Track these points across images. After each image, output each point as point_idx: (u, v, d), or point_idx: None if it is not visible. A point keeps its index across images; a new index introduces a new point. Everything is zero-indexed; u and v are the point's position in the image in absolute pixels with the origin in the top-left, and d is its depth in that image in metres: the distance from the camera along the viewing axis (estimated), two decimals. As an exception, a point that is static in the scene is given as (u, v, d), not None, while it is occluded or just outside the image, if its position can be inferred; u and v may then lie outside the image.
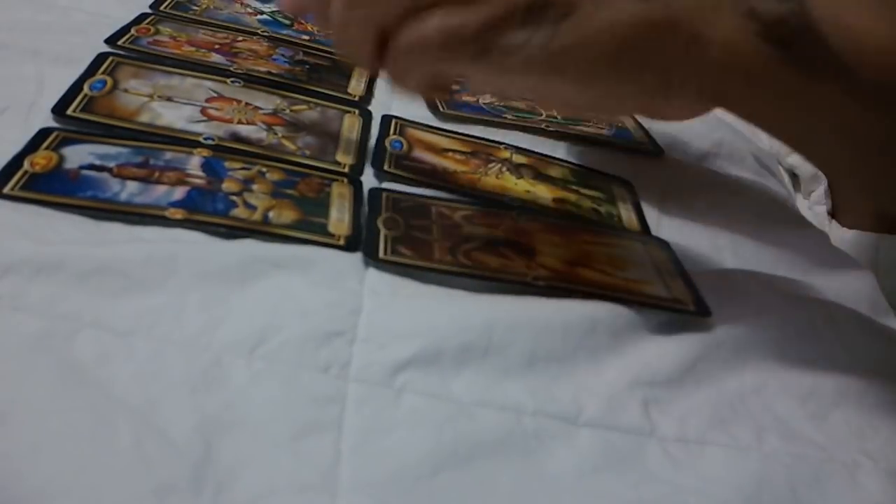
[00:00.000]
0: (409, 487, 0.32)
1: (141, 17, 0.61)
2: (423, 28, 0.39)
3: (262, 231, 0.42)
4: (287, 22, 0.66)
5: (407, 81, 0.42)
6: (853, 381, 0.41)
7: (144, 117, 0.49)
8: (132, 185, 0.43)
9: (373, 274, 0.42)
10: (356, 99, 0.57)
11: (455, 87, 0.47)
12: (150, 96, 0.51)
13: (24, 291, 0.37)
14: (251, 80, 0.55)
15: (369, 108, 0.57)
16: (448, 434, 0.35)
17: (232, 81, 0.55)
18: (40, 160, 0.44)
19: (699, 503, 0.34)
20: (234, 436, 0.33)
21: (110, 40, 0.57)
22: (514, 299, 0.41)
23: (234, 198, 0.44)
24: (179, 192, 0.43)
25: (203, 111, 0.51)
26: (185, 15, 0.63)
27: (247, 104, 0.53)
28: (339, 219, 0.44)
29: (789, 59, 0.38)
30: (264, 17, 0.66)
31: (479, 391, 0.37)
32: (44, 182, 0.42)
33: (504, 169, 0.53)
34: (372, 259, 0.42)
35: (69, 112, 0.48)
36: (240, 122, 0.51)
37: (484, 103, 0.59)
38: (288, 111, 0.53)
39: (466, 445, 0.34)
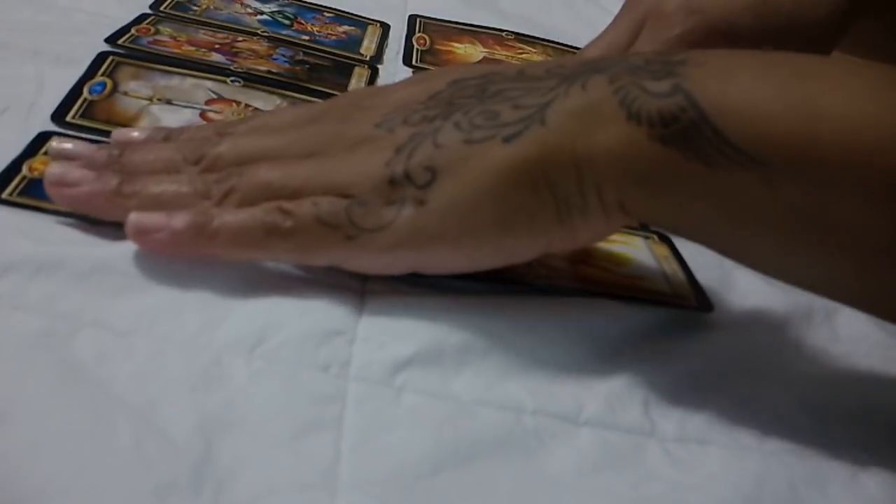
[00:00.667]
0: (409, 486, 0.32)
1: (141, 18, 0.61)
2: (294, 211, 0.37)
3: None
4: (287, 22, 0.66)
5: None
6: (853, 380, 0.41)
7: (143, 122, 0.49)
8: None
9: (373, 275, 0.42)
10: (356, 99, 0.57)
11: None
12: (150, 99, 0.51)
13: (24, 290, 0.37)
14: (251, 80, 0.55)
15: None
16: (448, 433, 0.35)
17: (232, 80, 0.55)
18: (39, 165, 0.44)
19: (699, 502, 0.34)
20: (234, 435, 0.33)
21: (110, 39, 0.57)
22: (514, 298, 0.41)
23: None
24: None
25: (202, 115, 0.51)
26: (185, 15, 0.63)
27: (246, 106, 0.53)
28: None
29: (690, 157, 0.34)
30: (264, 17, 0.66)
31: (480, 390, 0.37)
32: (42, 188, 0.42)
33: None
34: None
35: (69, 119, 0.48)
36: None
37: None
38: (289, 112, 0.53)
39: (467, 444, 0.34)
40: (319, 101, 0.48)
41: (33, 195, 0.42)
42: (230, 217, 0.37)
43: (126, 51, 0.56)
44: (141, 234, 0.37)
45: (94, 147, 0.42)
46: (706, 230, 0.37)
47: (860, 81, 0.35)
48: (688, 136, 0.34)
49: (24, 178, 0.43)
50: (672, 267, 0.47)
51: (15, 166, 0.43)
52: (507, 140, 0.36)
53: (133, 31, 0.59)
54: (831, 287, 0.38)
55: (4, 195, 0.41)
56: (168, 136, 0.43)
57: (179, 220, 0.37)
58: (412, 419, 0.35)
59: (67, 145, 0.41)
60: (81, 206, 0.39)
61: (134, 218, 0.37)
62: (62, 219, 0.41)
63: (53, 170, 0.39)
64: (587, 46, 0.56)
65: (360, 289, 0.40)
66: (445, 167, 0.36)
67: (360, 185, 0.37)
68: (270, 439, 0.33)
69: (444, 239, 0.37)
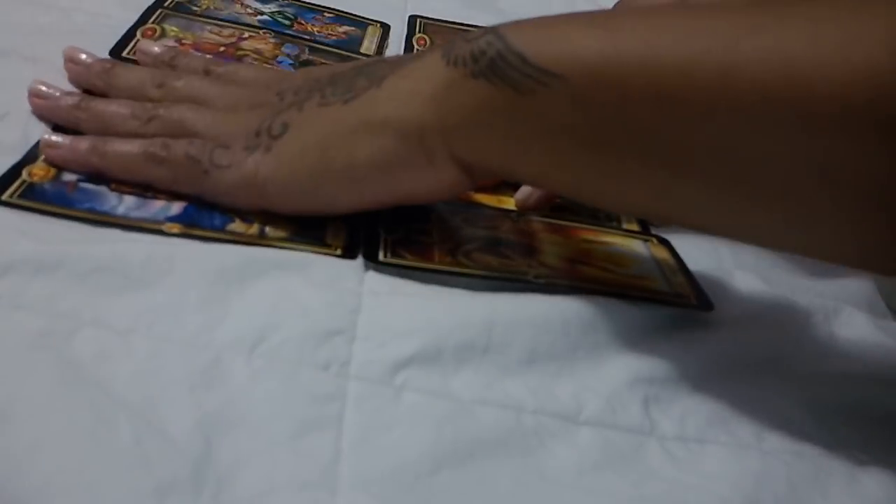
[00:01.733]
0: (409, 485, 0.32)
1: (146, 15, 0.61)
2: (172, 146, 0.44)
3: (258, 244, 0.42)
4: (287, 22, 0.66)
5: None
6: (852, 379, 0.41)
7: None
8: (129, 200, 0.43)
9: (372, 274, 0.42)
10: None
11: None
12: None
13: (24, 290, 0.37)
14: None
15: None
16: (448, 432, 0.35)
17: None
18: (38, 171, 0.44)
19: (699, 501, 0.34)
20: (234, 434, 0.33)
21: (114, 51, 0.56)
22: (514, 297, 0.41)
23: (231, 212, 0.44)
24: (177, 207, 0.43)
25: None
26: (187, 16, 0.63)
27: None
28: (336, 228, 0.44)
29: (501, 85, 0.38)
30: (264, 17, 0.66)
31: (480, 389, 0.37)
32: (41, 192, 0.42)
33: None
34: (372, 262, 0.42)
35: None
36: None
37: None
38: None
39: (466, 443, 0.34)
40: (269, 68, 0.57)
41: (33, 199, 0.42)
42: (121, 143, 0.44)
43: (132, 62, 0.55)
44: (48, 147, 0.44)
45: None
46: (532, 162, 0.39)
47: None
48: (495, 65, 0.38)
49: (23, 182, 0.43)
50: (672, 267, 0.47)
51: (15, 171, 0.43)
52: (346, 102, 0.41)
53: (138, 34, 0.58)
54: (661, 213, 0.41)
55: (4, 197, 0.41)
56: (169, 61, 0.52)
57: (82, 142, 0.44)
58: (412, 418, 0.35)
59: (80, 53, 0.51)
60: (45, 112, 0.48)
61: (45, 136, 0.45)
62: (62, 219, 0.41)
63: (37, 85, 0.48)
64: None
65: (360, 288, 0.41)
66: (297, 123, 0.42)
67: (232, 132, 0.44)
68: (270, 438, 0.33)
69: (275, 182, 0.42)
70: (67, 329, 0.35)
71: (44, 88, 0.48)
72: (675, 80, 0.34)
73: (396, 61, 0.42)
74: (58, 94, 0.48)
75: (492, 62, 0.38)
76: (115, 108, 0.46)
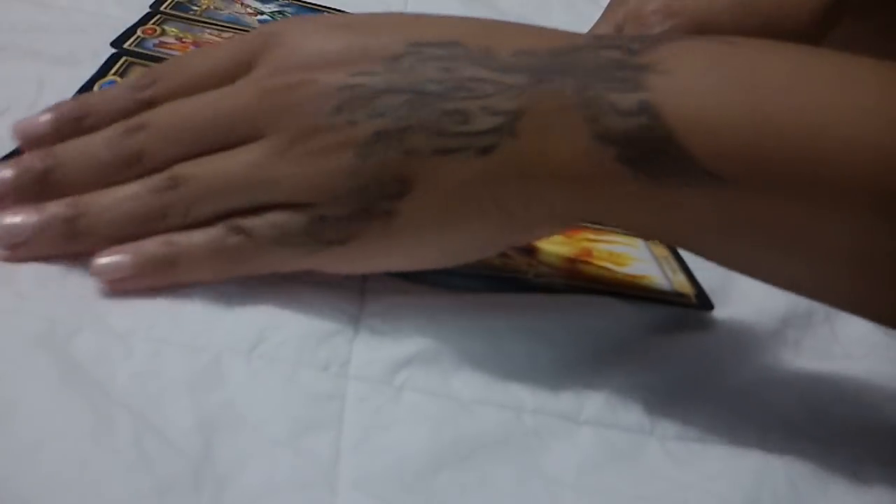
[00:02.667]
0: (409, 484, 0.32)
1: (147, 17, 0.61)
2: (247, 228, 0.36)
3: None
4: (287, 22, 0.66)
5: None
6: (854, 378, 0.41)
7: None
8: None
9: (372, 275, 0.42)
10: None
11: None
12: None
13: (24, 293, 0.37)
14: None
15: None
16: (448, 431, 0.35)
17: None
18: None
19: (699, 500, 0.34)
20: (233, 434, 0.33)
21: (116, 43, 0.57)
22: (515, 297, 0.41)
23: None
24: None
25: None
26: (188, 16, 0.63)
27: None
28: None
29: (653, 175, 0.33)
30: (264, 17, 0.66)
31: (480, 389, 0.37)
32: None
33: None
34: None
35: None
36: None
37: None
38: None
39: (467, 443, 0.34)
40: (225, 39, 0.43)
41: None
42: (189, 245, 0.36)
43: (135, 55, 0.56)
44: (108, 283, 0.37)
45: (10, 168, 0.38)
46: (660, 237, 0.38)
47: (840, 90, 0.34)
48: (653, 161, 0.33)
49: None
50: (672, 266, 0.47)
51: (13, 157, 0.43)
52: (479, 153, 0.35)
53: (139, 32, 0.59)
54: (808, 290, 0.37)
55: None
56: (79, 116, 0.39)
57: (140, 257, 0.36)
58: (412, 418, 0.35)
59: None
60: (38, 256, 0.37)
61: (98, 266, 0.36)
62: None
63: None
64: None
65: (360, 288, 0.40)
66: (417, 179, 0.35)
67: (321, 195, 0.35)
68: (270, 438, 0.33)
69: (413, 250, 0.37)
70: (67, 330, 0.35)
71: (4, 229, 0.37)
72: (843, 180, 0.32)
73: (511, 76, 0.35)
74: (31, 220, 0.37)
75: (650, 156, 0.33)
76: (124, 216, 0.37)
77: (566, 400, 0.37)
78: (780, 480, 0.35)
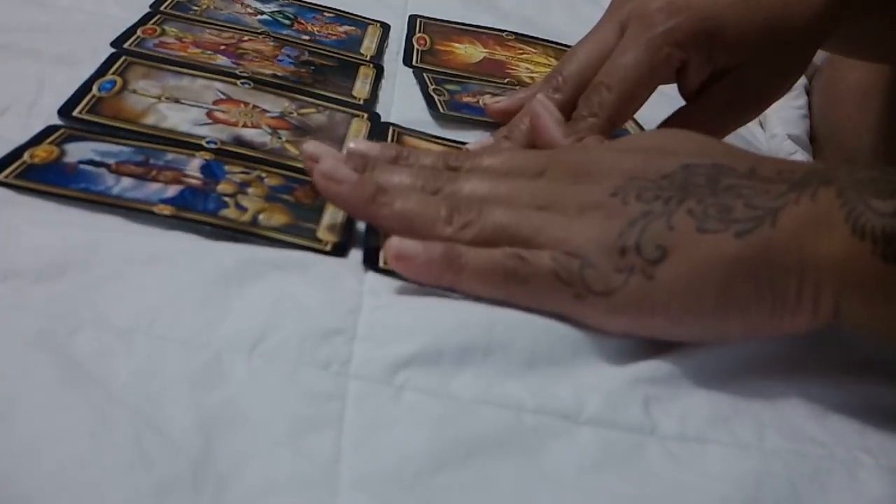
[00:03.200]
0: (409, 484, 0.32)
1: (147, 17, 0.61)
2: (532, 260, 0.40)
3: (248, 232, 0.42)
4: (287, 22, 0.66)
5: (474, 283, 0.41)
6: (853, 378, 0.41)
7: (150, 119, 0.50)
8: (126, 181, 0.44)
9: (372, 275, 0.42)
10: (361, 102, 0.57)
11: None
12: (159, 98, 0.52)
13: (24, 290, 0.37)
14: (258, 83, 0.55)
15: (377, 111, 0.57)
16: (448, 431, 0.35)
17: (242, 83, 0.55)
18: (41, 153, 0.44)
19: (699, 500, 0.34)
20: (234, 433, 0.33)
21: (116, 43, 0.57)
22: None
23: (226, 199, 0.44)
24: (172, 190, 0.44)
25: (209, 114, 0.51)
26: (188, 16, 0.63)
27: (254, 107, 0.53)
28: (330, 225, 0.44)
29: None
30: (264, 17, 0.66)
31: (480, 389, 0.37)
32: (39, 173, 0.43)
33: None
34: (372, 268, 0.42)
35: (75, 114, 0.49)
36: (244, 126, 0.51)
37: (484, 104, 0.59)
38: (295, 114, 0.54)
39: (467, 442, 0.34)
40: (534, 151, 0.49)
41: (29, 179, 0.42)
42: (475, 256, 0.40)
43: (134, 55, 0.56)
44: (399, 259, 0.40)
45: (341, 157, 0.44)
46: None
47: None
48: None
49: (23, 163, 0.43)
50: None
51: (17, 153, 0.44)
52: (738, 235, 0.38)
53: (139, 32, 0.59)
54: None
55: (0, 177, 0.42)
56: (396, 157, 0.45)
57: (434, 251, 0.40)
58: (412, 417, 0.35)
59: (317, 150, 0.44)
60: (340, 202, 0.43)
61: (395, 244, 0.40)
62: (61, 218, 0.41)
63: (326, 164, 0.42)
64: (575, 47, 0.56)
65: (360, 288, 0.40)
66: (676, 248, 0.38)
67: (591, 247, 0.39)
68: (271, 437, 0.33)
69: (664, 313, 0.39)
70: (67, 328, 0.35)
71: (338, 173, 0.42)
72: None
73: (773, 185, 0.39)
74: (353, 177, 0.42)
75: None
76: (417, 207, 0.42)
77: (566, 400, 0.37)
78: (780, 480, 0.35)
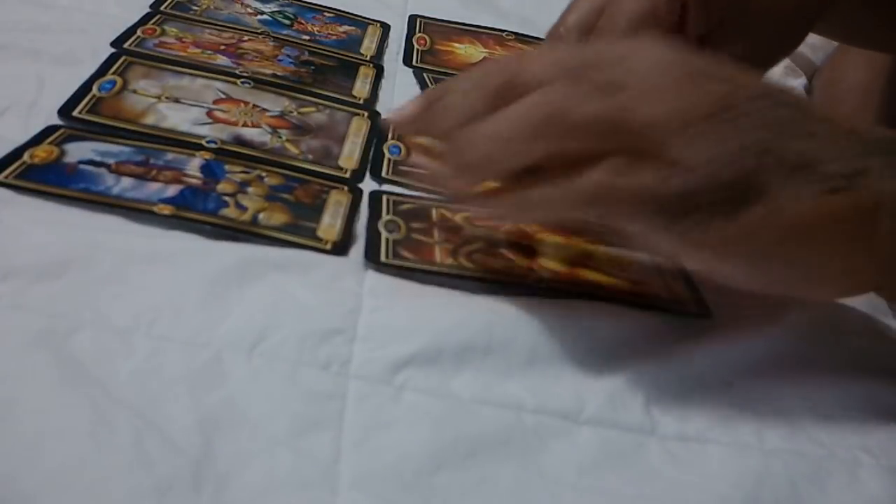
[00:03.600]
0: (409, 484, 0.32)
1: (147, 17, 0.61)
2: (619, 181, 0.36)
3: (248, 231, 0.42)
4: (287, 22, 0.66)
5: (553, 213, 0.40)
6: (853, 378, 0.41)
7: (150, 119, 0.50)
8: (126, 181, 0.44)
9: (372, 275, 0.42)
10: (361, 101, 0.57)
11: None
12: (159, 97, 0.52)
13: (24, 290, 0.37)
14: (258, 82, 0.55)
15: (377, 109, 0.57)
16: (448, 431, 0.35)
17: (242, 83, 0.55)
18: (41, 153, 0.45)
19: (699, 500, 0.34)
20: (234, 433, 0.33)
21: (116, 43, 0.57)
22: (514, 299, 0.41)
23: (226, 198, 0.44)
24: (172, 190, 0.44)
25: (209, 113, 0.51)
26: (188, 16, 0.63)
27: (254, 106, 0.53)
28: (330, 224, 0.44)
29: None
30: (264, 17, 0.66)
31: (480, 389, 0.37)
32: (39, 173, 0.43)
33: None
34: (374, 263, 0.42)
35: (75, 114, 0.49)
36: (244, 125, 0.51)
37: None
38: (296, 113, 0.54)
39: (467, 442, 0.34)
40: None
41: (30, 179, 0.42)
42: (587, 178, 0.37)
43: (134, 55, 0.56)
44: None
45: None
46: None
47: None
48: None
49: (23, 163, 0.43)
50: (671, 272, 0.47)
51: (17, 153, 0.44)
52: (831, 191, 0.36)
53: (139, 32, 0.59)
54: None
55: (0, 177, 0.42)
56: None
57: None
58: (412, 417, 0.35)
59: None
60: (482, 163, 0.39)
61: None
62: (61, 217, 0.41)
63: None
64: (568, 9, 0.55)
65: (360, 288, 0.40)
66: (766, 191, 0.36)
67: (693, 172, 0.36)
68: (271, 437, 0.33)
69: (744, 258, 0.37)
70: (67, 328, 0.35)
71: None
72: None
73: (852, 141, 0.38)
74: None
75: None
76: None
77: (566, 400, 0.37)
78: (780, 480, 0.36)
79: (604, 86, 0.37)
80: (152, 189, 0.43)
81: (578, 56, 0.39)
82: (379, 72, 0.62)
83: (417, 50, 0.67)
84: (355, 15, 0.70)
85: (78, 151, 0.45)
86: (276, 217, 0.44)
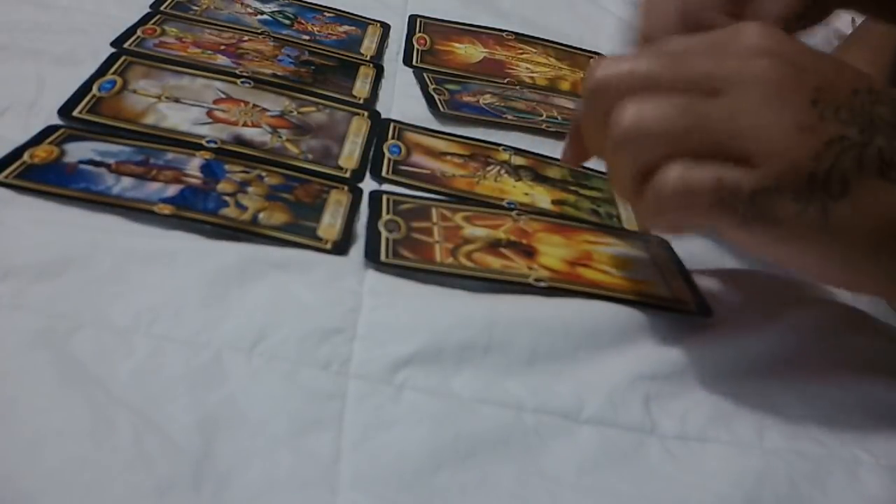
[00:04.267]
0: (409, 483, 0.32)
1: (147, 17, 0.61)
2: (692, 179, 0.36)
3: (248, 231, 0.42)
4: (287, 22, 0.66)
5: (658, 220, 0.39)
6: (853, 378, 0.41)
7: (150, 119, 0.50)
8: (127, 181, 0.44)
9: (372, 274, 0.42)
10: (361, 101, 0.57)
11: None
12: (159, 97, 0.52)
13: (24, 290, 0.37)
14: (258, 82, 0.55)
15: (377, 109, 0.57)
16: (448, 430, 0.35)
17: (242, 82, 0.55)
18: (41, 153, 0.45)
19: (699, 499, 0.34)
20: (234, 432, 0.33)
21: (116, 43, 0.57)
22: (515, 298, 0.41)
23: (226, 198, 0.44)
24: (172, 190, 0.44)
25: (209, 113, 0.51)
26: (188, 16, 0.63)
27: (254, 106, 0.53)
28: (330, 224, 0.44)
29: None
30: (264, 17, 0.66)
31: (480, 388, 0.37)
32: (39, 173, 0.43)
33: (503, 172, 0.53)
34: (374, 262, 0.42)
35: (75, 114, 0.49)
36: (245, 125, 0.51)
37: (485, 103, 0.60)
38: (296, 113, 0.54)
39: (467, 441, 0.34)
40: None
41: (30, 179, 0.42)
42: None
43: (134, 55, 0.56)
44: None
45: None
46: None
47: None
48: None
49: (23, 163, 0.43)
50: (671, 271, 0.47)
51: (17, 153, 0.44)
52: None
53: (139, 32, 0.59)
54: None
55: (0, 177, 0.42)
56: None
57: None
58: (412, 417, 0.35)
59: None
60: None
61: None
62: (61, 217, 0.41)
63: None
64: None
65: (360, 288, 0.40)
66: (858, 193, 0.36)
67: (777, 163, 0.36)
68: (271, 437, 0.33)
69: (830, 255, 0.37)
70: (67, 328, 0.35)
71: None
72: None
73: None
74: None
75: None
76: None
77: (566, 399, 0.37)
78: (780, 479, 0.36)
79: (705, 90, 0.37)
80: (152, 189, 0.44)
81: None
82: (379, 72, 0.62)
83: (417, 50, 0.67)
84: (355, 15, 0.70)
85: (78, 151, 0.45)
86: (276, 217, 0.44)
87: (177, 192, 0.44)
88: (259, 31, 0.63)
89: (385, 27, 0.69)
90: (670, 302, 0.44)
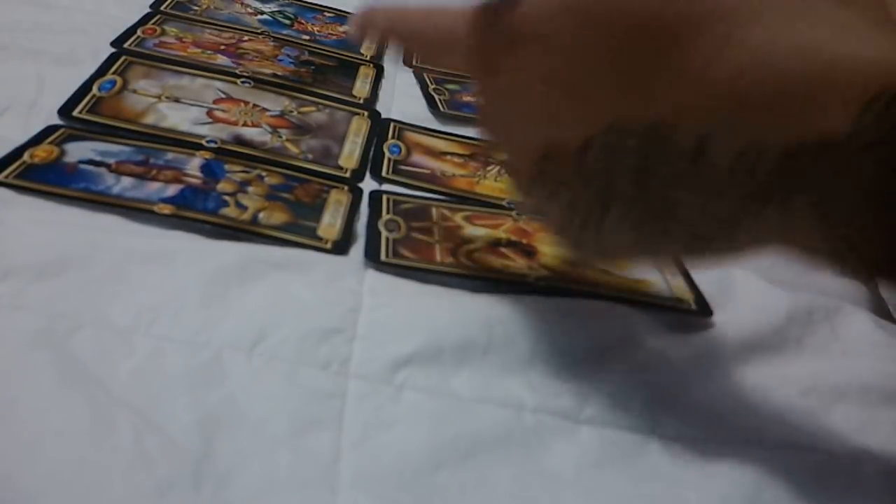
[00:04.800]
0: (409, 483, 0.32)
1: (147, 17, 0.61)
2: None
3: (248, 230, 0.42)
4: (287, 22, 0.66)
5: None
6: (854, 378, 0.41)
7: (150, 119, 0.50)
8: (127, 181, 0.44)
9: (372, 274, 0.42)
10: (361, 101, 0.58)
11: None
12: (159, 97, 0.52)
13: (24, 290, 0.37)
14: (258, 82, 0.56)
15: (377, 109, 0.57)
16: (448, 430, 0.35)
17: (242, 82, 0.55)
18: (41, 153, 0.45)
19: (699, 499, 0.34)
20: (233, 432, 0.33)
21: (116, 43, 0.57)
22: (515, 298, 0.41)
23: (226, 197, 0.44)
24: (172, 189, 0.44)
25: (209, 113, 0.51)
26: (188, 16, 0.63)
27: (254, 106, 0.53)
28: (330, 223, 0.44)
29: None
30: (264, 17, 0.66)
31: (480, 387, 0.37)
32: (39, 173, 0.43)
33: (503, 171, 0.53)
34: (374, 262, 0.42)
35: (75, 113, 0.49)
36: (245, 125, 0.51)
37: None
38: (296, 113, 0.54)
39: (467, 441, 0.34)
40: None
41: (30, 179, 0.42)
42: None
43: (134, 55, 0.56)
44: None
45: None
46: None
47: None
48: None
49: (23, 163, 0.44)
50: (671, 270, 0.47)
51: (17, 153, 0.44)
52: None
53: (139, 32, 0.59)
54: None
55: (0, 177, 0.42)
56: None
57: None
58: (412, 416, 0.35)
59: None
60: None
61: None
62: (61, 217, 0.41)
63: None
64: None
65: (360, 287, 0.40)
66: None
67: None
68: (270, 437, 0.33)
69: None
70: (67, 328, 0.35)
71: None
72: None
73: None
74: None
75: None
76: None
77: (566, 399, 0.37)
78: (780, 480, 0.35)
79: None
80: (152, 189, 0.44)
81: None
82: (379, 72, 0.62)
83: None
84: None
85: (78, 151, 0.45)
86: (276, 216, 0.44)
87: (177, 192, 0.44)
88: (259, 31, 0.63)
89: (385, 27, 0.69)
90: (671, 301, 0.44)
